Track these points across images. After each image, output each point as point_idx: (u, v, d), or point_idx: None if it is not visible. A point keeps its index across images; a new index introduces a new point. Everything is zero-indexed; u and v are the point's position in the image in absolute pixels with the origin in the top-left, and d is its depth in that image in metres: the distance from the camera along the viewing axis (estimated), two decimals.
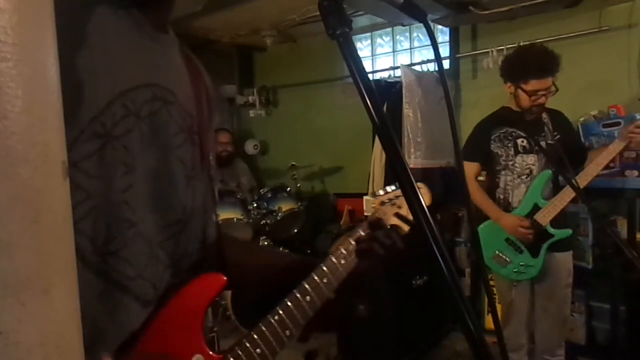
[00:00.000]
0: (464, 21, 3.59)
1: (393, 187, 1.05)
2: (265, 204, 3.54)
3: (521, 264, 2.38)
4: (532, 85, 2.25)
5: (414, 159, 3.42)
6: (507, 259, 2.41)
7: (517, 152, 2.36)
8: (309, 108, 4.72)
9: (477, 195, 2.41)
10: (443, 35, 3.95)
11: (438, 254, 0.48)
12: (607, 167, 2.46)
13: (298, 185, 4.13)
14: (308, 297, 0.81)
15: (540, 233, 2.31)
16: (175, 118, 0.71)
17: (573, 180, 2.00)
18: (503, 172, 2.40)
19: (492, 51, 3.45)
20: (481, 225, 2.42)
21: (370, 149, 3.89)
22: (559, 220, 2.32)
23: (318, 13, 0.54)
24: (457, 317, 0.47)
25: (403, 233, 0.98)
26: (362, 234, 0.93)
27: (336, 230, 3.76)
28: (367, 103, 0.51)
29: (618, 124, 2.88)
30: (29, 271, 0.34)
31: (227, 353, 0.72)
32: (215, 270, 0.74)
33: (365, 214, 3.29)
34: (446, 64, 3.89)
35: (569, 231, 2.34)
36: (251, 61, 5.09)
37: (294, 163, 4.15)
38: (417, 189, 0.50)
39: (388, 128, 0.51)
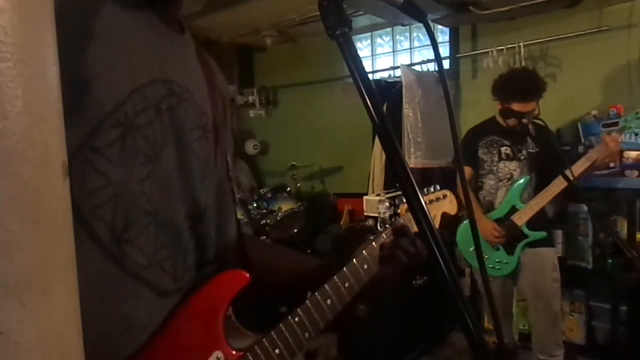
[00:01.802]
0: (464, 21, 3.58)
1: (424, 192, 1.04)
2: (265, 204, 3.54)
3: (497, 260, 2.62)
4: (515, 107, 2.49)
5: (414, 159, 3.42)
6: (485, 255, 2.64)
7: (500, 159, 2.63)
8: (309, 108, 4.71)
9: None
10: (443, 35, 3.95)
11: (438, 254, 0.48)
12: (607, 167, 2.66)
13: (298, 185, 4.13)
14: (329, 301, 0.80)
15: (515, 233, 2.54)
16: (191, 114, 0.73)
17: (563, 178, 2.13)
18: (487, 177, 2.67)
19: (492, 51, 3.45)
20: (463, 223, 2.73)
21: (370, 149, 3.89)
22: (537, 222, 2.53)
23: (318, 13, 0.54)
24: (457, 317, 0.47)
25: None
26: (386, 239, 0.91)
27: (336, 231, 3.76)
28: (367, 103, 0.51)
29: (618, 124, 2.88)
30: (29, 271, 0.34)
31: (246, 351, 0.72)
32: (236, 268, 0.75)
33: (366, 213, 3.29)
34: (446, 64, 3.89)
35: (544, 234, 2.54)
36: (251, 61, 5.09)
37: (294, 163, 4.15)
38: (417, 189, 0.50)
39: (388, 128, 0.51)
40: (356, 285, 0.84)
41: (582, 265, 3.00)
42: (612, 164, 2.86)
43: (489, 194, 2.66)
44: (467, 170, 2.70)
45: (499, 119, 2.63)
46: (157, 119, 0.67)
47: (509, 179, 2.60)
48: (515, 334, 3.02)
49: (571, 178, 2.07)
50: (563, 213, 3.05)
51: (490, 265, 2.61)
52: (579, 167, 2.37)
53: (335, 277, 0.82)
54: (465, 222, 2.72)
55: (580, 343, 3.00)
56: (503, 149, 2.62)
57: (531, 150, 2.56)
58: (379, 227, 3.16)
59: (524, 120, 2.48)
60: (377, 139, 3.50)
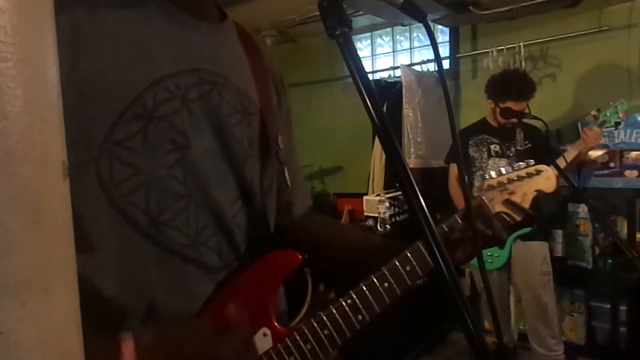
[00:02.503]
0: (464, 21, 3.58)
1: (503, 170, 0.94)
2: None
3: (488, 254, 2.71)
4: (508, 104, 2.61)
5: (414, 159, 3.42)
6: None
7: (490, 156, 2.74)
8: (309, 108, 4.71)
9: (454, 193, 2.88)
10: (443, 35, 3.95)
11: (438, 254, 0.48)
12: (607, 167, 2.77)
13: None
14: (386, 284, 0.76)
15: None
16: (228, 99, 0.75)
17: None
18: (477, 173, 2.75)
19: (492, 51, 3.45)
20: None
21: (370, 149, 3.89)
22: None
23: (318, 13, 0.54)
24: (457, 317, 0.47)
25: (513, 222, 0.90)
26: (459, 221, 0.84)
27: None
28: (367, 103, 0.51)
29: (618, 124, 2.88)
30: (29, 271, 0.34)
31: (293, 330, 0.72)
32: (288, 249, 0.75)
33: (366, 213, 3.29)
34: (446, 64, 3.89)
35: (527, 229, 2.60)
36: None
37: None
38: (417, 189, 0.50)
39: (388, 128, 0.51)
40: (420, 270, 0.78)
41: (582, 265, 3.00)
42: (611, 164, 2.88)
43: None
44: (455, 169, 2.83)
45: (489, 119, 2.76)
46: (184, 108, 0.68)
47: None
48: (515, 334, 3.02)
49: (562, 165, 2.16)
50: (563, 213, 3.05)
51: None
52: (560, 164, 2.39)
53: (395, 260, 0.77)
54: None
55: (580, 343, 3.00)
56: (492, 146, 2.73)
57: (519, 148, 2.67)
58: (379, 227, 3.16)
59: (514, 120, 2.59)
60: (377, 139, 3.50)
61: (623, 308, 2.84)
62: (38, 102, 0.36)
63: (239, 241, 0.74)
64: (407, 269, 0.77)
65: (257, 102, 0.80)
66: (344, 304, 0.74)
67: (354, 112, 3.90)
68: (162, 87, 0.66)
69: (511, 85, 2.62)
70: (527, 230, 2.58)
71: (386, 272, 0.77)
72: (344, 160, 4.40)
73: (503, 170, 0.94)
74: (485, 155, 2.73)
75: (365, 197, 3.32)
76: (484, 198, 0.89)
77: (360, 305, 0.74)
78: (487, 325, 3.23)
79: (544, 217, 2.74)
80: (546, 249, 2.67)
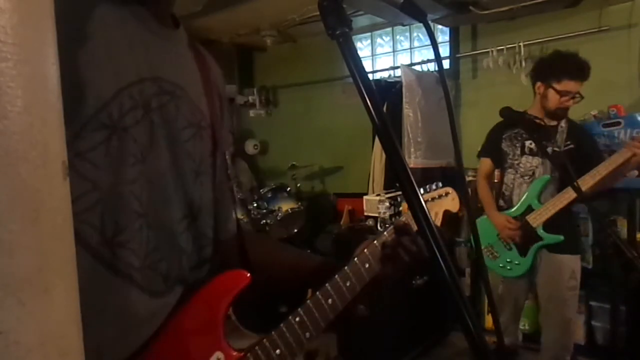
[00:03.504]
0: (464, 21, 3.58)
1: (422, 190, 1.01)
2: (265, 203, 3.54)
3: (508, 260, 2.50)
4: (565, 85, 2.32)
5: (414, 159, 3.42)
6: (496, 253, 2.52)
7: (523, 153, 2.47)
8: (309, 108, 4.71)
9: (481, 190, 2.61)
10: (443, 35, 3.95)
11: (438, 254, 0.48)
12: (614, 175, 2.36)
13: (298, 185, 4.13)
14: (330, 300, 0.79)
15: (529, 234, 2.40)
16: (184, 112, 0.71)
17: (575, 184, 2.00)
18: (509, 170, 2.53)
19: (492, 51, 3.45)
20: (479, 219, 2.56)
21: (370, 149, 3.89)
22: (556, 225, 2.36)
23: (318, 13, 0.54)
24: (457, 317, 0.47)
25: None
26: (388, 238, 0.89)
27: (336, 230, 3.76)
28: (367, 103, 0.51)
29: (618, 123, 2.88)
30: (29, 271, 0.34)
31: (246, 352, 0.71)
32: (236, 267, 0.74)
33: (366, 213, 3.29)
34: (446, 64, 3.89)
35: (560, 237, 2.37)
36: (251, 61, 5.09)
37: (294, 163, 4.15)
38: (417, 189, 0.50)
39: (388, 128, 0.51)
40: (358, 285, 0.83)
41: (582, 265, 2.99)
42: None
43: (508, 188, 2.53)
44: (486, 163, 2.60)
45: (532, 111, 2.46)
46: (146, 119, 0.65)
47: (530, 176, 2.45)
48: (520, 335, 2.95)
49: (582, 189, 1.94)
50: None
51: (501, 265, 2.50)
52: (615, 160, 2.23)
53: (336, 276, 0.81)
54: (482, 217, 2.56)
55: (580, 343, 3.00)
56: (527, 142, 2.46)
57: (557, 149, 2.38)
58: (379, 227, 3.16)
59: (571, 102, 2.33)
60: (377, 139, 3.50)
61: (623, 308, 2.84)
62: (38, 102, 0.36)
63: (184, 263, 0.71)
64: (347, 284, 0.81)
65: (207, 116, 0.76)
66: (293, 322, 0.75)
67: (354, 112, 3.90)
68: (127, 96, 0.62)
69: (570, 62, 2.33)
70: (558, 238, 2.36)
71: (330, 289, 0.79)
72: (344, 160, 4.40)
73: (422, 190, 1.04)
74: (519, 152, 2.47)
75: (365, 197, 3.32)
76: (407, 217, 0.96)
77: (308, 323, 0.76)
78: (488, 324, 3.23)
79: (577, 230, 2.56)
80: (577, 263, 2.43)
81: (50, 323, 0.36)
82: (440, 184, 1.07)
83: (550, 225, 2.36)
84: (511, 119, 2.46)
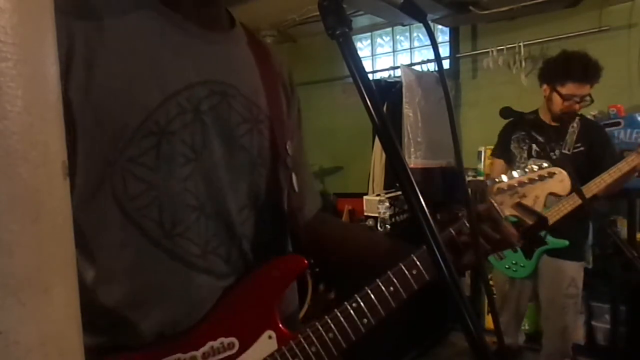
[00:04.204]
0: (464, 21, 3.59)
1: (515, 174, 0.92)
2: None
3: (513, 262, 2.50)
4: (568, 89, 2.25)
5: (414, 159, 3.42)
6: (502, 254, 2.46)
7: (530, 156, 2.42)
8: (309, 108, 4.68)
9: None
10: (443, 35, 3.95)
11: (438, 254, 0.48)
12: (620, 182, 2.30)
13: None
14: (392, 288, 0.77)
15: (535, 237, 2.37)
16: (237, 109, 0.75)
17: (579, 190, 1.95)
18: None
19: (492, 51, 3.45)
20: None
21: (370, 149, 3.89)
22: (562, 230, 2.30)
23: (318, 13, 0.54)
24: (457, 317, 0.47)
25: (523, 225, 0.88)
26: (467, 225, 0.84)
27: None
28: (367, 103, 0.51)
29: (618, 124, 2.88)
30: (29, 271, 0.34)
31: (299, 333, 0.74)
32: (295, 253, 0.78)
33: (366, 213, 3.29)
34: (446, 64, 3.89)
35: (565, 242, 2.34)
36: None
37: None
38: (417, 189, 0.50)
39: (388, 128, 0.51)
40: (425, 273, 0.79)
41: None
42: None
43: None
44: (500, 164, 2.55)
45: (542, 112, 2.42)
46: (196, 121, 0.70)
47: None
48: (521, 335, 2.94)
49: (585, 197, 1.88)
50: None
51: (507, 266, 2.52)
52: (596, 186, 2.19)
53: (401, 264, 0.78)
54: None
55: (580, 343, 3.00)
56: (534, 145, 2.40)
57: (565, 152, 2.33)
58: (379, 227, 3.15)
59: (577, 106, 2.26)
60: (377, 139, 3.50)
61: (623, 308, 2.84)
62: (38, 102, 0.36)
63: (247, 248, 0.76)
64: (414, 272, 0.78)
65: (266, 110, 0.80)
66: (349, 307, 0.75)
67: (354, 112, 3.90)
68: (174, 103, 0.67)
69: (575, 64, 2.24)
70: (564, 242, 2.34)
71: (392, 276, 0.77)
72: (344, 160, 4.40)
73: (515, 173, 0.92)
74: (525, 155, 2.42)
75: (365, 197, 3.32)
76: (493, 202, 0.87)
77: (365, 309, 0.75)
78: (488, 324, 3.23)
79: (582, 237, 2.50)
80: (578, 271, 2.40)
81: (50, 323, 0.36)
82: (545, 164, 0.94)
83: (556, 230, 2.32)
84: (522, 119, 2.40)
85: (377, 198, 3.18)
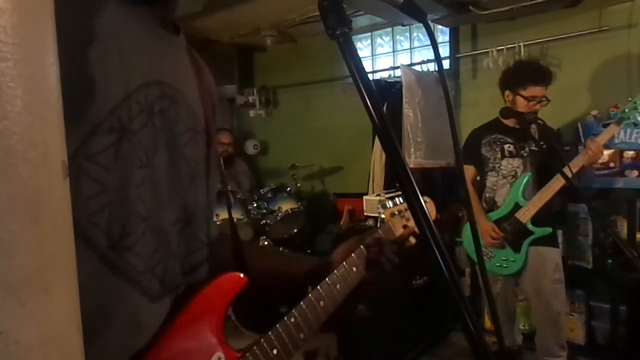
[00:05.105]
0: (464, 21, 3.58)
1: (398, 201, 1.10)
2: (265, 204, 3.54)
3: (503, 258, 2.60)
4: (530, 91, 2.50)
5: (414, 159, 3.42)
6: (491, 254, 2.63)
7: (503, 156, 2.62)
8: (309, 108, 4.71)
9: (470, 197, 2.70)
10: (443, 35, 3.95)
11: (438, 254, 0.48)
12: (607, 167, 2.71)
13: (298, 185, 4.13)
14: (322, 302, 0.83)
15: (520, 230, 2.53)
16: (182, 117, 0.72)
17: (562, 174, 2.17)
18: (490, 174, 2.68)
19: (492, 51, 3.45)
20: (468, 222, 2.66)
21: (370, 149, 3.89)
22: (543, 219, 2.52)
23: (318, 13, 0.54)
24: (457, 317, 0.47)
25: (409, 244, 1.05)
26: (372, 243, 0.96)
27: (336, 230, 3.76)
28: (367, 103, 0.51)
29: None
30: (29, 271, 0.34)
31: (245, 352, 0.73)
32: (230, 270, 0.75)
33: (366, 213, 3.29)
34: (446, 64, 3.89)
35: (549, 229, 2.51)
36: (251, 61, 5.09)
37: (294, 163, 4.15)
38: (417, 189, 0.50)
39: (388, 128, 0.51)
40: (347, 288, 0.88)
41: (582, 265, 3.00)
42: (612, 164, 2.87)
43: (491, 190, 2.67)
44: (471, 170, 2.72)
45: (503, 119, 2.66)
46: (150, 123, 0.65)
47: (513, 176, 2.61)
48: (519, 335, 2.97)
49: (569, 175, 2.10)
50: (563, 213, 3.05)
51: (497, 264, 2.60)
52: (574, 168, 2.38)
53: (327, 279, 0.85)
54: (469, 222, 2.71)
55: (580, 343, 3.00)
56: (506, 146, 2.62)
57: (533, 148, 2.57)
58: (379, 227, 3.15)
59: (539, 106, 2.50)
60: (377, 139, 3.50)
61: (623, 308, 2.84)
62: (38, 102, 0.36)
63: (178, 267, 0.72)
64: (337, 287, 0.86)
65: (202, 122, 0.77)
66: (289, 323, 0.78)
67: (354, 112, 3.91)
68: (134, 100, 0.63)
69: (531, 69, 2.54)
70: (548, 230, 2.50)
71: (322, 292, 0.84)
72: (344, 160, 4.40)
73: (398, 200, 1.10)
74: (499, 155, 2.63)
75: (365, 197, 3.32)
76: (389, 224, 1.05)
77: (302, 324, 0.79)
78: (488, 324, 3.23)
79: (555, 224, 2.66)
80: (558, 256, 2.59)
81: (50, 323, 0.36)
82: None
83: (538, 219, 2.50)
84: (488, 125, 2.70)
85: (377, 198, 3.18)
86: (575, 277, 2.93)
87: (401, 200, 1.10)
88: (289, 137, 4.81)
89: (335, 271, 0.87)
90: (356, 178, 4.13)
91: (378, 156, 3.78)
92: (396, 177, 0.51)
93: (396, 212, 1.08)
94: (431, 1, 2.98)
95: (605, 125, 2.92)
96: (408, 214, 1.06)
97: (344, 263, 0.89)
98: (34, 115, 0.35)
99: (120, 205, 0.62)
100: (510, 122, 2.63)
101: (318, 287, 0.84)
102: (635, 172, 2.83)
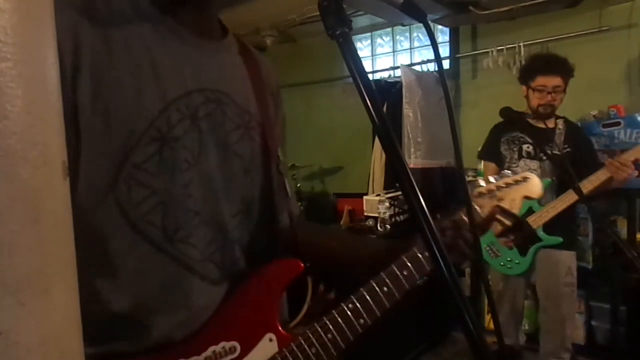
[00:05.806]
0: (464, 21, 3.59)
1: (492, 179, 0.98)
2: None
3: (508, 259, 2.57)
4: (538, 81, 2.41)
5: (414, 159, 3.42)
6: (498, 252, 2.60)
7: (520, 157, 2.52)
8: (309, 108, 4.71)
9: None
10: (443, 35, 3.95)
11: (438, 254, 0.48)
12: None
13: (298, 185, 4.13)
14: (385, 288, 0.80)
15: (530, 235, 2.46)
16: (231, 116, 0.78)
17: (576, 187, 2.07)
18: None
19: (492, 51, 3.45)
20: None
21: (370, 149, 3.89)
22: (555, 225, 2.42)
23: (318, 13, 0.54)
24: (457, 317, 0.47)
25: (503, 226, 0.96)
26: (449, 226, 0.90)
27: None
28: (367, 103, 0.51)
29: (618, 124, 2.88)
30: (29, 271, 0.34)
31: (299, 335, 0.75)
32: (290, 256, 0.80)
33: (366, 213, 3.29)
34: (446, 64, 3.89)
35: (559, 239, 2.43)
36: None
37: (294, 163, 4.15)
38: (417, 189, 0.50)
39: (388, 128, 0.51)
40: (417, 274, 0.83)
41: (582, 265, 2.99)
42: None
43: None
44: (492, 167, 2.62)
45: (529, 119, 2.52)
46: (194, 127, 0.72)
47: None
48: (522, 335, 2.95)
49: (583, 192, 2.01)
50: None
51: (502, 264, 2.58)
52: (591, 183, 2.29)
53: (393, 265, 0.82)
54: None
55: (580, 343, 3.00)
56: (525, 146, 2.50)
57: (556, 152, 2.42)
58: (379, 227, 3.15)
59: (547, 98, 2.39)
60: (377, 139, 3.50)
61: (623, 308, 2.84)
62: (38, 102, 0.36)
63: (239, 254, 0.78)
64: (405, 273, 0.82)
65: (257, 117, 0.83)
66: (345, 308, 0.77)
67: (354, 112, 3.90)
68: (174, 109, 0.69)
69: (538, 60, 2.48)
70: (557, 239, 2.43)
71: (385, 277, 0.81)
72: (344, 160, 4.40)
73: (492, 178, 0.98)
74: (516, 156, 2.51)
75: (365, 197, 3.32)
76: (477, 204, 0.95)
77: (361, 310, 0.78)
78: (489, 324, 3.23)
79: (574, 227, 2.60)
80: (572, 260, 2.49)
81: (50, 323, 0.36)
82: (518, 170, 0.99)
83: (550, 226, 2.42)
84: (510, 121, 2.51)
85: (377, 198, 3.18)
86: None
87: (495, 179, 0.98)
88: (289, 137, 4.78)
89: (403, 256, 0.83)
90: (356, 178, 4.13)
91: (378, 156, 3.78)
92: (396, 177, 0.51)
93: (485, 192, 0.96)
94: (431, 1, 2.98)
95: (606, 126, 2.93)
96: (501, 193, 0.95)
97: (414, 248, 0.83)
98: (34, 116, 0.35)
99: (171, 204, 0.69)
100: (534, 121, 2.48)
101: (382, 272, 0.81)
102: (635, 172, 2.83)
